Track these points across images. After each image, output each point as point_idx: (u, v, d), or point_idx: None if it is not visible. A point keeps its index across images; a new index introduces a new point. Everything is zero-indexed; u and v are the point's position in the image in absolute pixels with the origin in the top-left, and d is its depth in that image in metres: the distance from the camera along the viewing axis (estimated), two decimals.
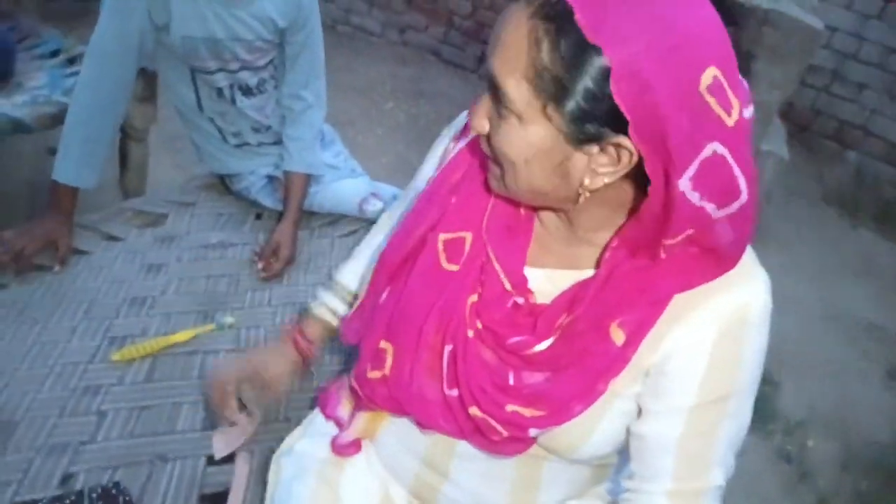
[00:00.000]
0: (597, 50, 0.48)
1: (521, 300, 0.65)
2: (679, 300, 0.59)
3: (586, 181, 0.55)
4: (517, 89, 0.52)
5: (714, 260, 0.58)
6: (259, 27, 1.17)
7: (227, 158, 1.33)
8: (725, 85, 0.50)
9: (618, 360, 0.60)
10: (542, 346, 0.62)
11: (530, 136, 0.54)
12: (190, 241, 1.26)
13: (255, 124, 1.30)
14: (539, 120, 0.53)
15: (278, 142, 1.33)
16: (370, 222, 1.37)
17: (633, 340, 0.60)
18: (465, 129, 0.72)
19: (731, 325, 0.59)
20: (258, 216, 1.38)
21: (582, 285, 0.62)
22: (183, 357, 1.03)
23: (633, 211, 0.59)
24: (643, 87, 0.48)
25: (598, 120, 0.51)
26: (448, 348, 0.65)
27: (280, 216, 1.31)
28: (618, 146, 0.52)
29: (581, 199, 0.57)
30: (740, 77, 0.52)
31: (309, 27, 1.23)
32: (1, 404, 0.88)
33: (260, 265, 1.22)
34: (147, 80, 1.56)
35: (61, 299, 1.07)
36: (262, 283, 1.21)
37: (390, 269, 0.71)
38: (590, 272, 0.63)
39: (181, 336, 1.05)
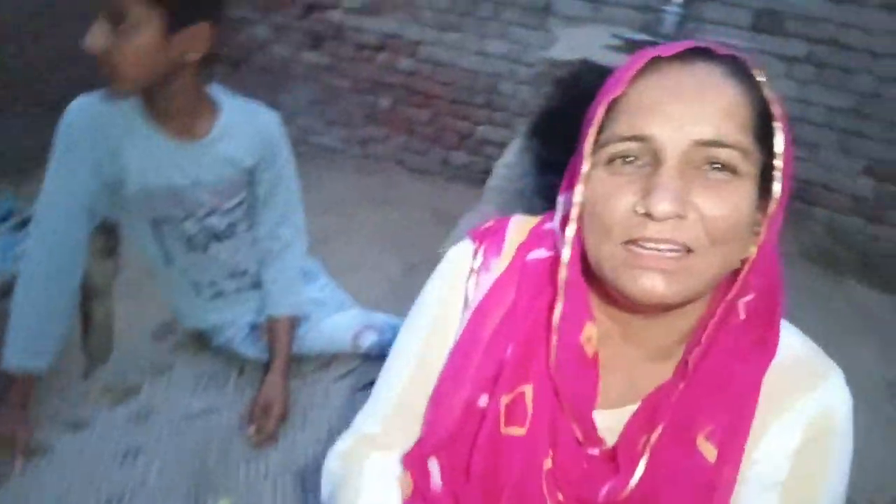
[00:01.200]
0: (768, 98, 0.52)
1: (595, 451, 0.58)
2: (762, 403, 0.55)
3: (752, 247, 0.54)
4: (750, 145, 0.51)
5: (764, 322, 0.56)
6: (221, 169, 1.09)
7: (203, 313, 1.21)
8: None
9: (718, 486, 0.53)
10: (634, 481, 0.55)
11: (752, 193, 0.52)
12: (168, 414, 1.12)
13: (231, 269, 1.19)
14: (756, 173, 0.52)
15: (257, 285, 1.22)
16: (366, 358, 1.26)
17: (729, 455, 0.53)
18: (487, 257, 0.64)
19: (817, 433, 0.55)
20: (241, 371, 1.24)
21: (657, 392, 0.57)
22: None
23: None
24: (788, 143, 0.52)
25: (770, 167, 0.53)
26: None
27: (265, 367, 1.18)
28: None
29: (746, 256, 0.54)
30: None
31: (280, 161, 1.16)
32: None
33: (250, 429, 1.08)
34: (107, 234, 1.45)
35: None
36: (256, 451, 1.06)
37: (437, 447, 0.61)
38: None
39: None
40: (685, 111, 0.50)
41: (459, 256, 0.66)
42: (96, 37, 0.89)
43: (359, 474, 0.64)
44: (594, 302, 0.58)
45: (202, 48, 0.97)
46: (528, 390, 0.58)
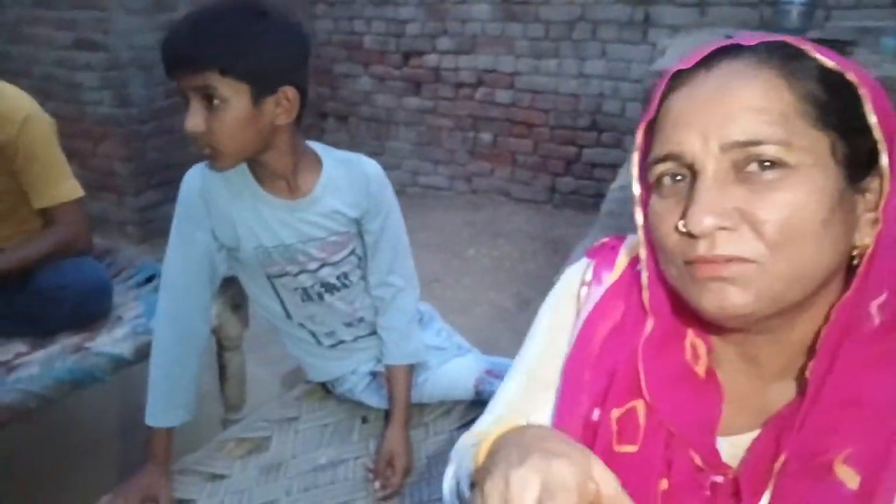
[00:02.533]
0: (840, 72, 0.48)
1: (719, 479, 0.53)
2: None
3: (867, 237, 0.49)
4: (796, 135, 0.47)
5: None
6: (329, 223, 1.10)
7: (325, 363, 1.23)
8: None
9: None
10: None
11: (823, 187, 0.47)
12: (297, 467, 1.13)
13: (347, 319, 1.20)
14: (826, 163, 0.47)
15: (374, 332, 1.22)
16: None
17: (876, 482, 0.45)
18: (599, 271, 0.64)
19: None
20: (364, 419, 1.24)
21: (779, 415, 0.52)
22: None
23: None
24: (885, 110, 0.48)
25: (862, 150, 0.48)
26: None
27: (387, 416, 1.17)
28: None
29: (855, 262, 0.50)
30: None
31: (384, 211, 1.15)
32: None
33: (377, 484, 1.06)
34: (234, 289, 1.53)
35: None
36: None
37: None
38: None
39: None
40: (707, 118, 0.49)
41: (573, 272, 0.66)
42: (195, 119, 0.94)
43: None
44: (705, 325, 0.55)
45: (290, 111, 1.00)
46: (639, 406, 0.56)
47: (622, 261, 0.63)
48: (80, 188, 1.59)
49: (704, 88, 0.50)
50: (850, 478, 0.46)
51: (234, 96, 0.93)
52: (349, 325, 1.20)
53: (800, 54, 0.49)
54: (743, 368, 0.55)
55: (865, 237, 0.49)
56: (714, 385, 0.55)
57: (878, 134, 0.48)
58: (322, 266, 1.13)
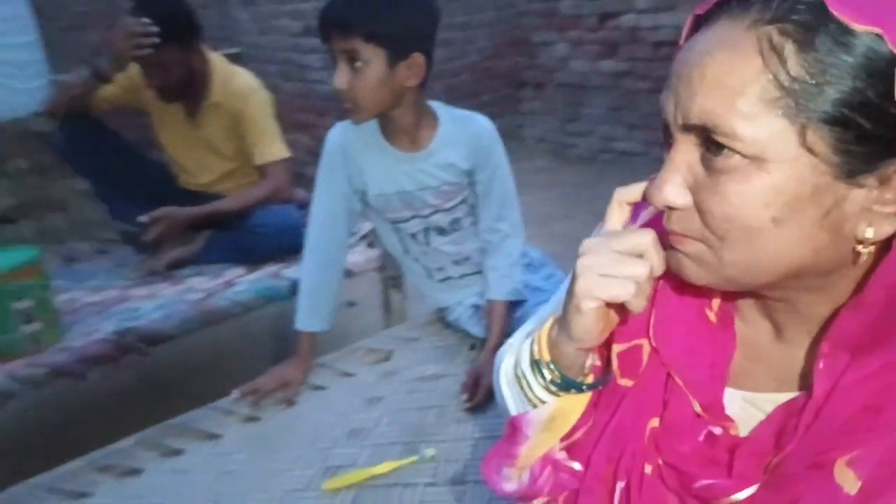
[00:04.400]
0: (871, 38, 0.39)
1: (718, 430, 0.52)
2: None
3: (867, 232, 0.42)
4: (753, 124, 0.41)
5: None
6: (443, 174, 1.28)
7: (435, 294, 1.44)
8: None
9: None
10: (743, 494, 0.48)
11: (782, 182, 0.41)
12: (408, 374, 1.36)
13: (455, 258, 1.38)
14: (794, 155, 0.41)
15: (479, 272, 1.39)
16: None
17: (875, 489, 0.42)
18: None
19: None
20: (472, 347, 1.42)
21: (792, 409, 0.48)
22: (383, 490, 1.07)
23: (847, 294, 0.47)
24: None
25: (879, 138, 0.40)
26: (620, 485, 0.54)
27: None
28: None
29: (863, 258, 0.44)
30: None
31: (493, 162, 1.30)
32: None
33: (464, 396, 1.24)
34: None
35: (294, 431, 1.23)
36: (468, 415, 1.22)
37: None
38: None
39: (384, 467, 1.11)
40: (681, 88, 0.44)
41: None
42: (341, 77, 1.17)
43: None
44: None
45: (419, 75, 1.18)
46: (644, 344, 0.56)
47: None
48: (287, 150, 1.99)
49: (693, 51, 0.44)
50: (848, 480, 0.43)
51: (374, 59, 1.13)
52: (457, 263, 1.39)
53: (814, 8, 0.40)
54: (766, 328, 0.54)
55: (883, 227, 0.43)
56: (726, 336, 0.54)
57: None
58: (434, 212, 1.33)
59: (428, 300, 1.49)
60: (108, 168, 1.99)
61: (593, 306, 0.50)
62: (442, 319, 1.51)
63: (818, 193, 0.42)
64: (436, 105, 1.31)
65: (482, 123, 1.31)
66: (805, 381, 0.50)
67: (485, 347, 1.31)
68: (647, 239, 0.49)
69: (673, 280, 0.53)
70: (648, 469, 0.53)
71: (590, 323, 0.51)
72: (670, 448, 0.53)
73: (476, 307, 1.41)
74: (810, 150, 0.41)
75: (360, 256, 1.92)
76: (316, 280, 1.34)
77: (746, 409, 0.53)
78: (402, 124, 1.26)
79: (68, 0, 4.11)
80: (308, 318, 1.34)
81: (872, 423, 0.43)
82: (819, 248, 0.44)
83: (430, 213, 1.33)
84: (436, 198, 1.31)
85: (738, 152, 0.42)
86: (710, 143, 0.43)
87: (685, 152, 0.45)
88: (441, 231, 1.35)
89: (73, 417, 1.90)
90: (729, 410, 0.53)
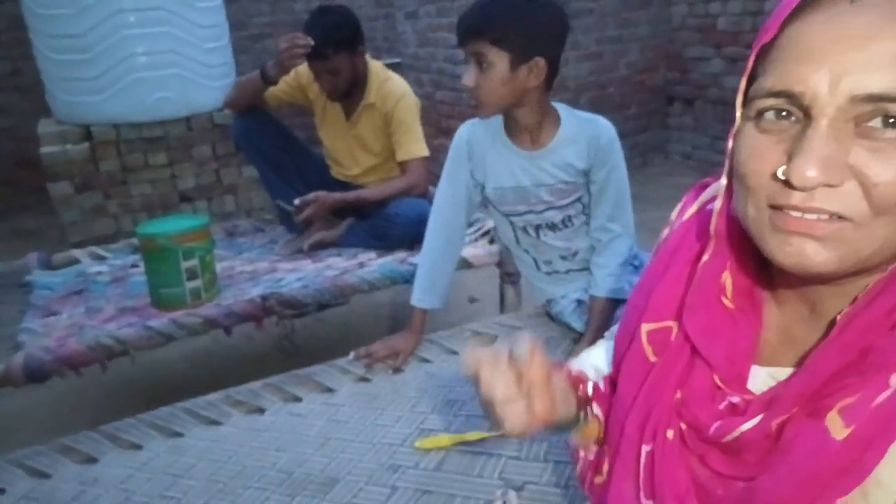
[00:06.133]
0: None
1: (736, 399, 0.54)
2: None
3: None
4: None
5: None
6: (559, 172, 1.33)
7: (541, 285, 1.48)
8: None
9: (845, 470, 0.44)
10: (748, 425, 0.50)
11: None
12: None
13: (563, 253, 1.42)
14: None
15: (586, 269, 1.41)
16: None
17: (866, 444, 0.43)
18: (686, 206, 0.66)
19: None
20: (575, 341, 1.45)
21: (807, 357, 0.50)
22: (469, 456, 1.14)
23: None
24: None
25: None
26: (646, 449, 0.58)
27: None
28: None
29: None
30: None
31: (610, 164, 1.33)
32: (333, 464, 1.15)
33: None
34: None
35: (398, 394, 1.33)
36: None
37: (615, 366, 0.69)
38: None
39: (473, 436, 1.18)
40: (845, 59, 0.42)
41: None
42: (469, 76, 1.27)
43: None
44: (764, 261, 0.52)
45: (540, 77, 1.25)
46: (674, 326, 0.59)
47: (705, 196, 0.64)
48: (427, 150, 2.14)
49: (850, 23, 0.43)
50: (837, 428, 0.44)
51: (498, 61, 1.23)
52: (564, 258, 1.43)
53: None
54: (802, 311, 0.54)
55: None
56: (748, 320, 0.56)
57: None
58: (548, 209, 1.38)
59: (533, 290, 1.54)
60: (273, 155, 2.27)
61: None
62: (548, 312, 1.55)
63: None
64: (560, 107, 1.37)
65: (603, 125, 1.34)
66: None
67: (582, 340, 1.33)
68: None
69: (709, 266, 0.56)
70: (671, 434, 0.56)
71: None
72: (690, 415, 0.55)
73: (579, 302, 1.44)
74: None
75: (481, 250, 2.01)
76: (433, 261, 1.45)
77: (770, 383, 0.54)
78: (524, 123, 1.33)
79: (257, 12, 4.66)
80: (423, 295, 1.45)
81: (862, 367, 0.44)
82: None
83: (544, 210, 1.38)
84: (550, 195, 1.36)
85: None
86: (879, 113, 0.42)
87: (838, 128, 0.43)
88: (552, 227, 1.40)
89: (217, 364, 2.19)
90: (752, 385, 0.55)
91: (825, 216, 0.44)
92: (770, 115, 0.46)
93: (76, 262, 2.17)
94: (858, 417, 0.43)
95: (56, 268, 2.12)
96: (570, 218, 1.39)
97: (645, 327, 0.61)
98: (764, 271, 0.57)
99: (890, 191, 0.42)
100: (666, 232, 0.68)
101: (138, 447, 1.20)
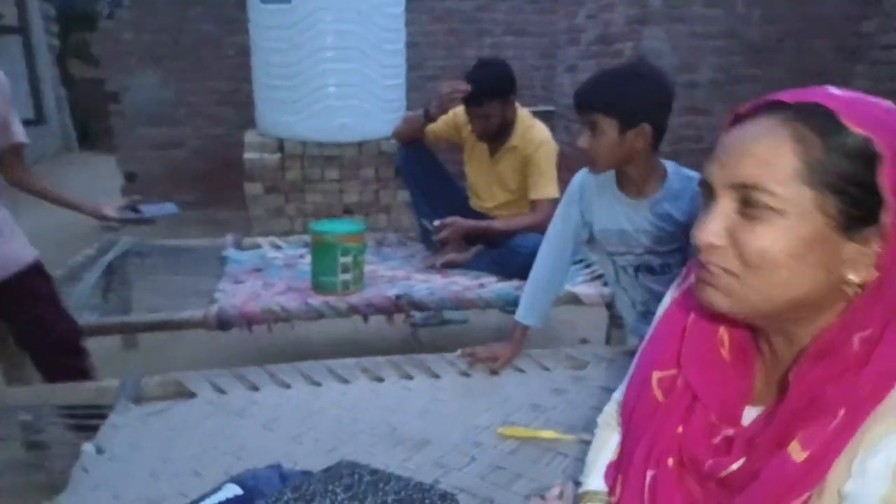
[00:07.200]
0: (864, 141, 0.56)
1: (730, 432, 0.68)
2: (876, 419, 0.56)
3: (853, 276, 0.58)
4: (785, 186, 0.58)
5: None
6: (659, 222, 1.52)
7: (635, 323, 1.65)
8: None
9: (800, 482, 0.58)
10: (735, 466, 0.64)
11: (799, 230, 0.58)
12: (594, 383, 1.61)
13: (659, 296, 1.57)
14: (809, 212, 0.57)
15: None
16: None
17: (819, 460, 0.57)
18: (690, 268, 0.80)
19: None
20: None
21: (778, 402, 0.64)
22: (541, 451, 1.34)
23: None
24: None
25: (867, 208, 0.56)
26: (650, 474, 0.72)
27: None
28: (882, 235, 0.57)
29: (850, 292, 0.60)
30: None
31: None
32: (429, 429, 1.41)
33: None
34: None
35: (491, 391, 1.58)
36: None
37: (626, 410, 0.81)
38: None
39: (548, 434, 1.39)
40: (729, 159, 0.61)
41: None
42: (583, 140, 1.50)
43: (599, 433, 0.95)
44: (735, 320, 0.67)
45: (646, 140, 1.46)
46: (678, 373, 0.72)
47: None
48: (558, 192, 2.40)
49: (738, 135, 0.62)
50: (797, 453, 0.57)
51: (608, 128, 1.47)
52: (659, 300, 1.59)
53: (829, 117, 0.57)
54: (770, 356, 0.69)
55: (862, 274, 0.58)
56: (742, 366, 0.69)
57: (888, 198, 0.55)
58: (647, 252, 1.57)
59: (627, 326, 1.72)
60: (425, 182, 2.64)
61: None
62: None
63: (823, 241, 0.58)
64: (669, 164, 1.56)
65: None
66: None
67: None
68: None
69: (696, 324, 0.71)
70: (671, 462, 0.69)
71: None
72: (689, 448, 0.68)
73: None
74: (822, 210, 0.57)
75: (592, 290, 2.22)
76: (538, 285, 1.69)
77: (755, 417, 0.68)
78: (631, 176, 1.54)
79: (433, 56, 5.21)
80: (525, 313, 1.69)
81: (812, 409, 0.58)
82: (818, 283, 0.59)
83: (643, 253, 1.58)
84: (650, 240, 1.55)
85: (771, 206, 0.58)
86: (749, 198, 0.59)
87: (725, 205, 0.61)
88: (651, 270, 1.59)
89: (352, 341, 2.58)
90: (746, 422, 0.68)
91: (718, 270, 0.62)
92: (706, 197, 0.65)
93: (259, 247, 2.68)
94: (815, 442, 0.57)
95: (244, 249, 2.64)
96: (668, 265, 1.57)
97: (655, 375, 0.75)
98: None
99: (753, 252, 0.59)
100: (671, 292, 0.84)
101: (287, 386, 1.56)
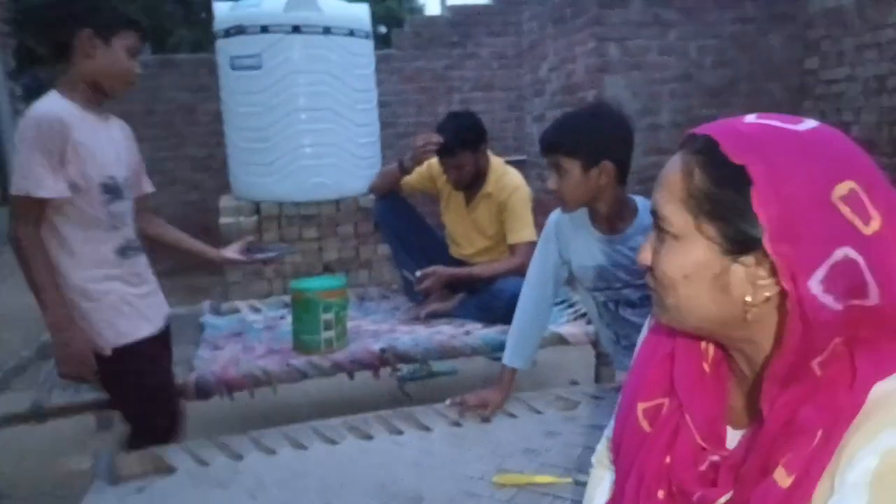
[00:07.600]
0: (741, 168, 0.58)
1: (716, 458, 0.69)
2: (852, 434, 0.56)
3: (748, 297, 0.60)
4: (675, 213, 0.63)
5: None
6: (634, 255, 1.53)
7: (620, 358, 1.64)
8: (865, 198, 0.56)
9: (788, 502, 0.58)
10: (723, 499, 0.65)
11: (689, 253, 0.63)
12: (586, 422, 1.58)
13: (641, 329, 1.58)
14: (695, 237, 0.62)
15: None
16: None
17: (804, 483, 0.57)
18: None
19: (891, 469, 0.53)
20: None
21: (757, 428, 0.64)
22: (537, 496, 1.30)
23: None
24: (778, 197, 0.56)
25: (744, 233, 0.59)
26: None
27: None
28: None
29: (749, 316, 0.61)
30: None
31: None
32: (421, 485, 1.36)
33: None
34: None
35: (483, 439, 1.53)
36: None
37: (615, 445, 0.82)
38: None
39: (543, 479, 1.35)
40: (656, 192, 0.67)
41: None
42: (552, 181, 1.53)
43: (594, 472, 0.95)
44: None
45: (610, 177, 1.49)
46: (665, 402, 0.73)
47: None
48: (535, 236, 2.41)
49: (668, 167, 0.66)
50: (782, 478, 0.58)
51: (572, 168, 1.50)
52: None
53: (712, 147, 0.60)
54: (739, 377, 0.70)
55: (756, 296, 0.60)
56: (719, 384, 0.71)
57: (763, 223, 0.57)
58: (625, 287, 1.58)
59: (614, 362, 1.70)
60: (404, 233, 2.65)
61: None
62: None
63: (711, 263, 0.62)
64: (639, 199, 1.59)
65: None
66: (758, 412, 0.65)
67: None
68: None
69: (681, 340, 0.72)
70: (661, 494, 0.70)
71: None
72: (677, 477, 0.69)
73: None
74: (705, 235, 0.61)
75: (577, 329, 2.21)
76: (522, 327, 1.68)
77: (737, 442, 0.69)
78: (602, 213, 1.56)
79: (404, 114, 5.32)
80: (512, 355, 1.67)
81: (790, 432, 0.59)
82: (719, 304, 0.62)
83: (621, 287, 1.58)
84: (627, 274, 1.56)
85: (669, 231, 0.64)
86: (657, 224, 0.66)
87: (655, 231, 0.67)
88: (630, 304, 1.58)
89: (337, 400, 2.50)
90: (729, 445, 0.69)
91: (651, 288, 0.68)
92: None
93: (238, 311, 2.64)
94: (797, 465, 0.58)
95: (222, 314, 2.60)
96: (648, 297, 1.56)
97: (640, 406, 0.75)
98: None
99: (658, 272, 0.65)
100: (648, 323, 0.84)
101: (273, 452, 1.50)
